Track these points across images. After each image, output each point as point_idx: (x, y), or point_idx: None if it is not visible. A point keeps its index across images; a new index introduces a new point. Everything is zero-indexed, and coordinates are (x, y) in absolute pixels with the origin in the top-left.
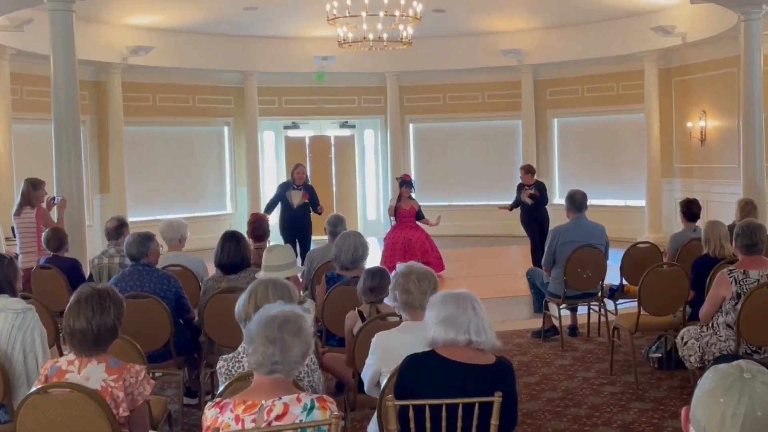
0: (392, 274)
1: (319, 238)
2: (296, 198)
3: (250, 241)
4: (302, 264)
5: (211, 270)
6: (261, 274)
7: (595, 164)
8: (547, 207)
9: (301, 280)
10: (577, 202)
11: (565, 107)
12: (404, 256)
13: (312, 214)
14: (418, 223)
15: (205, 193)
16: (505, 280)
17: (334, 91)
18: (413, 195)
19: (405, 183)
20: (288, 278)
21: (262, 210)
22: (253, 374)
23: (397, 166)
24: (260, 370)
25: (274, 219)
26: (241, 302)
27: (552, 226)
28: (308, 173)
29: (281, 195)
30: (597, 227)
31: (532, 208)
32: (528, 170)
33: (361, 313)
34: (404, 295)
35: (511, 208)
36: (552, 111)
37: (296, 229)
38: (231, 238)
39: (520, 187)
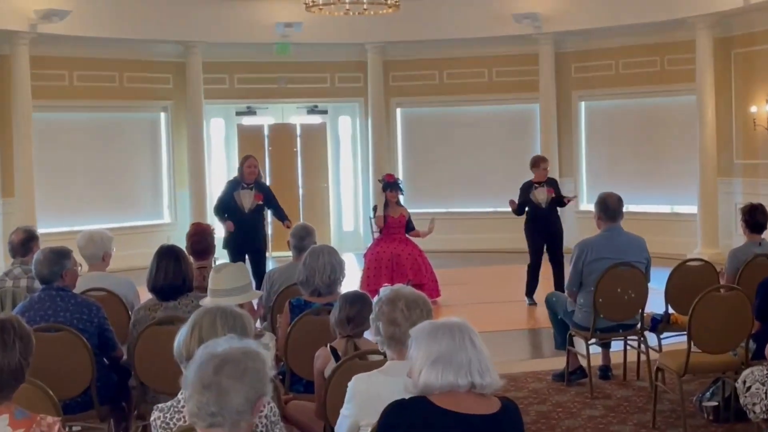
0: (374, 301)
1: (280, 255)
2: (247, 200)
3: (190, 258)
4: (258, 287)
5: (144, 295)
6: (207, 301)
7: (633, 160)
8: (567, 214)
9: (256, 308)
10: (610, 208)
11: (594, 87)
12: (391, 276)
13: (271, 222)
14: (407, 235)
15: (136, 197)
16: (519, 308)
17: (301, 67)
18: (402, 199)
19: (390, 185)
20: (241, 306)
21: (211, 220)
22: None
23: (380, 162)
24: (199, 424)
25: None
26: (181, 337)
27: (573, 238)
28: (266, 171)
29: (229, 197)
30: (635, 240)
31: (547, 214)
32: (537, 163)
33: (334, 351)
34: (389, 327)
35: (517, 208)
36: (578, 92)
37: (247, 241)
38: (169, 254)
39: (528, 187)
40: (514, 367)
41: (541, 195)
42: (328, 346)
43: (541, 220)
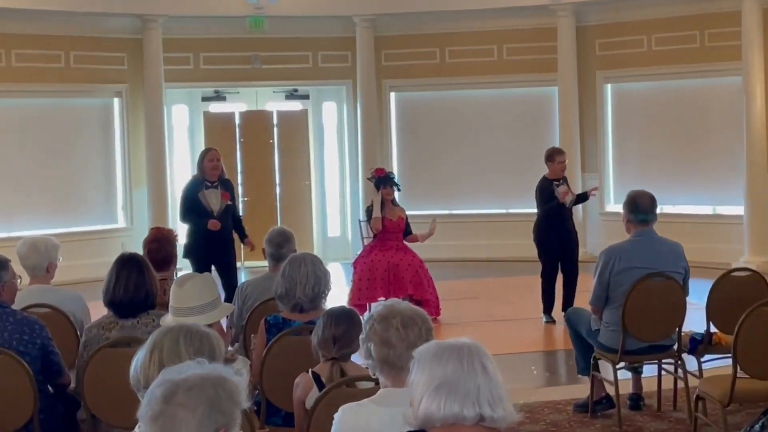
0: (365, 318)
1: (253, 265)
2: (214, 200)
3: None
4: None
5: (96, 312)
6: (168, 320)
7: (668, 153)
8: (590, 216)
9: (226, 327)
10: (641, 209)
11: (622, 67)
12: (387, 290)
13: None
14: (404, 241)
15: (85, 198)
16: (534, 326)
17: (278, 44)
18: (397, 196)
19: (384, 181)
20: (209, 326)
21: (172, 224)
22: None
23: (371, 156)
24: None
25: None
26: (138, 361)
27: (597, 244)
28: (237, 166)
29: (192, 199)
30: (671, 247)
31: (563, 215)
32: (552, 156)
33: (317, 377)
34: (383, 349)
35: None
36: (604, 73)
37: (215, 249)
38: (131, 263)
39: (549, 185)
40: (530, 396)
41: (569, 195)
42: (310, 371)
43: (559, 221)
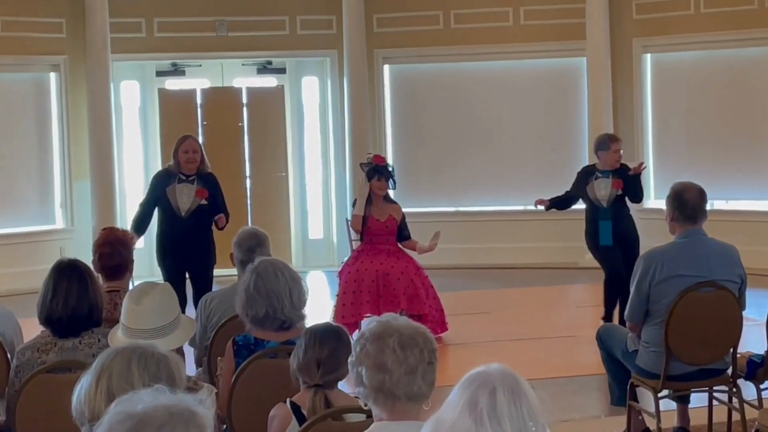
0: (354, 338)
1: (220, 274)
2: (185, 198)
3: (98, 277)
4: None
5: (29, 331)
6: (118, 338)
7: (719, 138)
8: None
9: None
10: (688, 205)
11: (664, 33)
12: (377, 304)
13: (214, 228)
14: (400, 246)
15: (16, 193)
16: (561, 346)
17: (248, 6)
18: (391, 193)
19: (379, 171)
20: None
21: (128, 226)
22: None
23: (360, 141)
24: None
25: (143, 240)
26: (82, 389)
27: (642, 246)
28: (203, 153)
29: (158, 195)
30: (725, 250)
31: (614, 215)
32: (606, 144)
33: (297, 408)
34: (377, 374)
35: (550, 206)
36: (641, 41)
37: (186, 255)
38: (71, 273)
39: (586, 176)
40: (558, 429)
41: (602, 189)
42: (288, 401)
43: (599, 219)
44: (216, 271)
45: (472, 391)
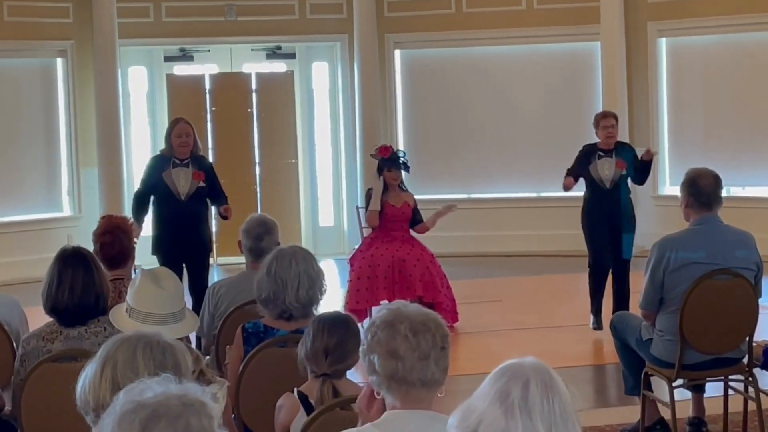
0: (365, 325)
1: (227, 261)
2: (182, 181)
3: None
4: (196, 308)
5: (35, 319)
6: (128, 324)
7: (737, 122)
8: (639, 199)
9: (192, 340)
10: (703, 192)
11: (680, 16)
12: (392, 290)
13: (215, 214)
14: (413, 232)
15: (22, 180)
16: (575, 335)
17: None
18: (404, 177)
19: (388, 162)
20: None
21: (129, 213)
22: None
23: (371, 128)
24: None
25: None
26: (87, 378)
27: (649, 234)
28: (208, 141)
29: (154, 180)
30: (741, 237)
31: (615, 197)
32: (597, 121)
33: (304, 398)
34: (390, 362)
35: (575, 178)
36: (657, 24)
37: (184, 242)
38: (76, 261)
39: (588, 155)
40: None
41: (605, 169)
42: (296, 391)
43: (605, 205)
44: (224, 259)
45: (504, 382)
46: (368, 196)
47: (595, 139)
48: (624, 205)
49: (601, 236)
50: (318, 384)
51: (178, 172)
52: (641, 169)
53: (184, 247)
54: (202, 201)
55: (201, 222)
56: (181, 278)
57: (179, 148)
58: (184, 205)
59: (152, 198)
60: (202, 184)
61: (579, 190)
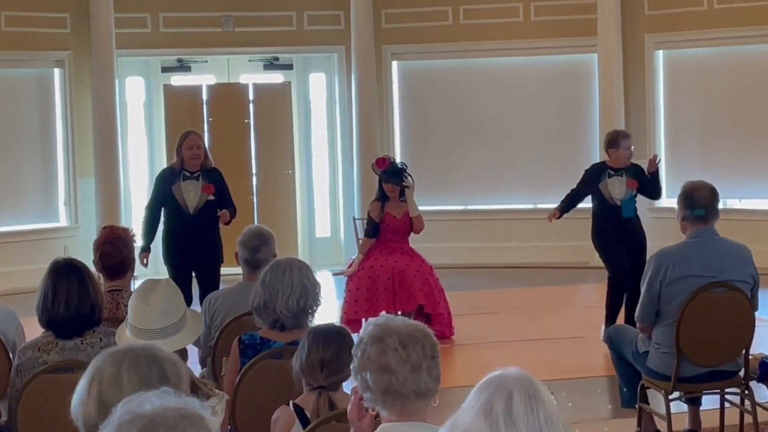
0: (357, 340)
1: (224, 272)
2: (192, 195)
3: (99, 277)
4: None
5: (31, 330)
6: (125, 337)
7: (733, 135)
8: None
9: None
10: (699, 204)
11: (677, 29)
12: (392, 301)
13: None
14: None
15: (19, 190)
16: (567, 348)
17: (255, 2)
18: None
19: (390, 175)
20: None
21: (133, 225)
22: None
23: (368, 139)
24: None
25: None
26: (77, 394)
27: (649, 247)
28: (206, 149)
29: (164, 194)
30: (737, 250)
31: (626, 216)
32: (616, 141)
33: (300, 410)
34: (382, 376)
35: (561, 214)
36: (654, 36)
37: (195, 253)
38: (69, 272)
39: (598, 173)
40: None
41: (616, 187)
42: (292, 403)
43: (616, 221)
44: (227, 271)
45: (488, 395)
46: (375, 204)
47: (591, 158)
48: (635, 220)
49: (618, 251)
50: (314, 396)
51: (188, 185)
52: (650, 182)
53: (193, 260)
54: (212, 214)
55: (209, 235)
56: (191, 289)
57: (191, 160)
58: (192, 219)
59: (163, 210)
60: (211, 197)
61: (585, 204)
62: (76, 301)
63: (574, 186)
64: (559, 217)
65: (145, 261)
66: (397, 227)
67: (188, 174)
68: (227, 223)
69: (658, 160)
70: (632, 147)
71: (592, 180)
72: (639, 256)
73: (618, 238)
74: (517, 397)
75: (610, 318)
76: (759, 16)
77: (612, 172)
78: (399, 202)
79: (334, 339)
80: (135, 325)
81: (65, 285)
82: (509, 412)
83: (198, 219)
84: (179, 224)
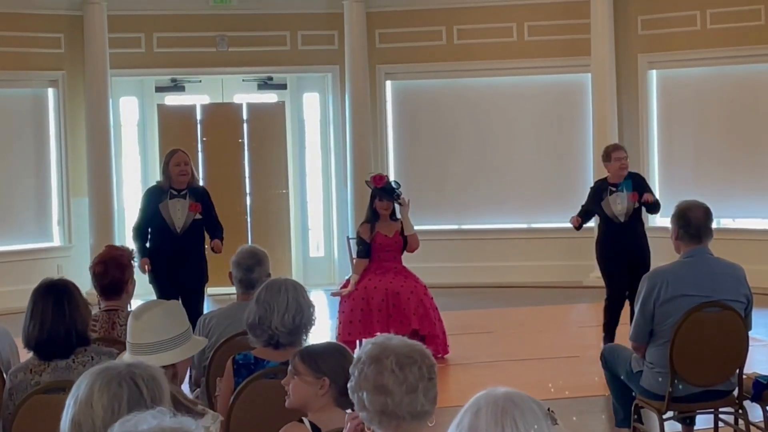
0: (354, 358)
1: (218, 292)
2: (179, 213)
3: (94, 296)
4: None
5: (25, 350)
6: (126, 357)
7: (727, 154)
8: (640, 218)
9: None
10: (693, 224)
11: (670, 49)
12: (386, 323)
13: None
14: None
15: (13, 210)
16: (561, 367)
17: (248, 22)
18: (398, 209)
19: (381, 192)
20: (173, 366)
21: (120, 242)
22: None
23: (362, 158)
24: None
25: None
26: (65, 414)
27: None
28: (199, 171)
29: (151, 212)
30: (730, 270)
31: (629, 230)
32: (608, 154)
33: (316, 429)
34: (379, 397)
35: (582, 223)
36: (647, 56)
37: (181, 274)
38: (46, 294)
39: (600, 191)
40: None
41: (618, 204)
42: (307, 420)
43: (620, 237)
44: (214, 290)
45: (462, 413)
46: (358, 239)
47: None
48: (640, 236)
49: (617, 270)
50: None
51: (175, 203)
52: (648, 209)
53: (179, 280)
54: (199, 233)
55: (196, 255)
56: None
57: (179, 177)
58: (180, 239)
59: (149, 229)
60: (198, 216)
61: (555, 222)
62: (49, 324)
63: (575, 205)
64: (579, 227)
65: (146, 267)
66: (388, 245)
67: (175, 192)
68: (219, 252)
69: (647, 199)
70: (626, 158)
71: (595, 198)
72: (643, 271)
73: (621, 256)
74: (484, 413)
75: (608, 336)
76: (751, 36)
77: (613, 189)
78: (390, 222)
79: (330, 356)
80: (128, 341)
81: (41, 307)
82: (475, 426)
83: (184, 239)
84: (166, 244)
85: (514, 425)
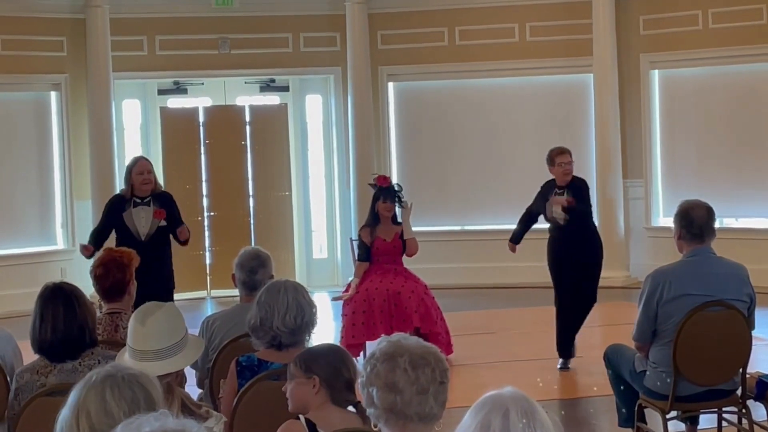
0: (365, 358)
1: (221, 294)
2: (143, 221)
3: (97, 300)
4: None
5: (30, 353)
6: (126, 362)
7: (730, 154)
8: (634, 232)
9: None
10: (695, 223)
11: (672, 49)
12: (389, 324)
13: (173, 246)
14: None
15: (16, 213)
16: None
17: (251, 24)
18: (399, 212)
19: (386, 192)
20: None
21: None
22: None
23: (365, 159)
24: None
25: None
26: (63, 427)
27: (643, 266)
28: (202, 173)
29: (112, 221)
30: (734, 269)
31: (567, 229)
32: (550, 158)
33: (312, 426)
34: (388, 395)
35: (516, 241)
36: (649, 56)
37: (148, 280)
38: (55, 297)
39: (547, 192)
40: None
41: (558, 207)
42: (303, 418)
43: (563, 241)
44: (217, 292)
45: (484, 414)
46: (367, 228)
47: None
48: (586, 240)
49: (561, 275)
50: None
51: (139, 211)
52: (571, 215)
53: (146, 289)
54: (164, 239)
55: (162, 262)
56: None
57: (142, 185)
58: (145, 246)
59: (115, 237)
60: (163, 222)
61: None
62: (63, 324)
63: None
64: (514, 250)
65: (87, 253)
66: (387, 250)
67: (138, 200)
68: (184, 242)
69: (565, 203)
70: (569, 162)
71: (542, 197)
72: (590, 279)
73: (565, 260)
74: (513, 414)
75: (562, 351)
76: (753, 35)
77: (558, 190)
78: (391, 225)
79: (334, 358)
80: (132, 347)
81: (51, 310)
82: (506, 428)
83: (149, 246)
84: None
85: (542, 427)
